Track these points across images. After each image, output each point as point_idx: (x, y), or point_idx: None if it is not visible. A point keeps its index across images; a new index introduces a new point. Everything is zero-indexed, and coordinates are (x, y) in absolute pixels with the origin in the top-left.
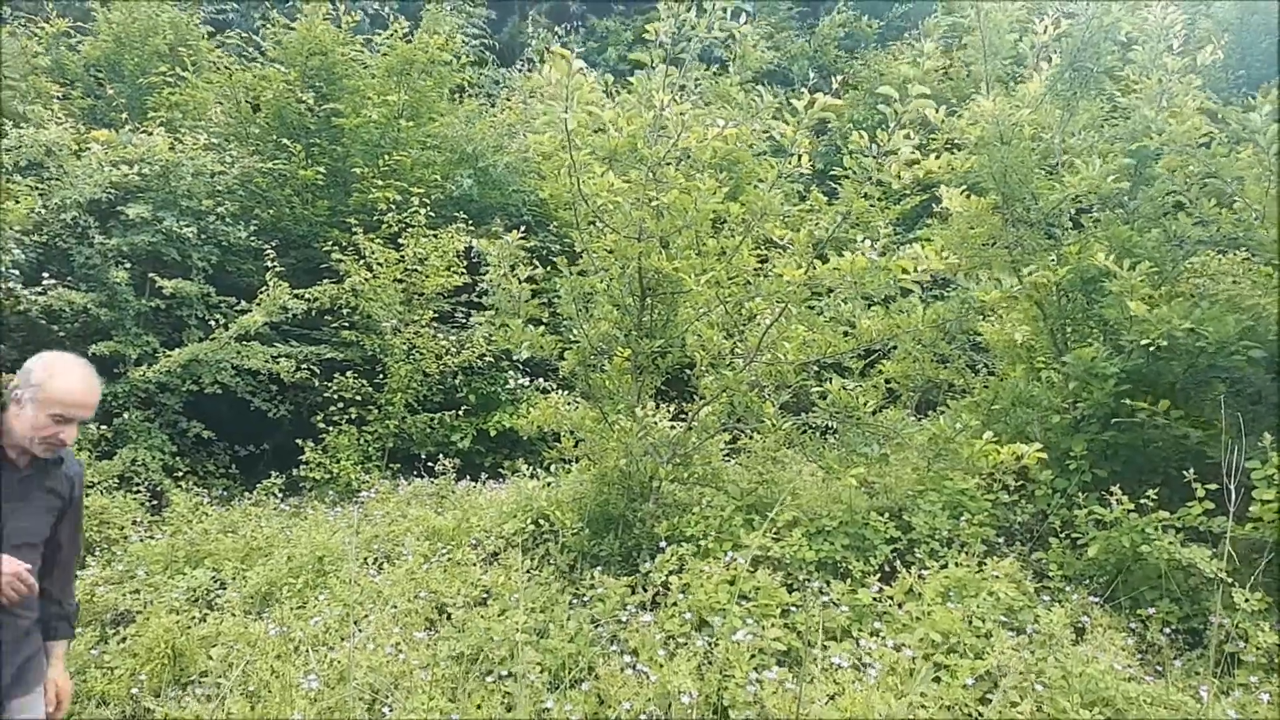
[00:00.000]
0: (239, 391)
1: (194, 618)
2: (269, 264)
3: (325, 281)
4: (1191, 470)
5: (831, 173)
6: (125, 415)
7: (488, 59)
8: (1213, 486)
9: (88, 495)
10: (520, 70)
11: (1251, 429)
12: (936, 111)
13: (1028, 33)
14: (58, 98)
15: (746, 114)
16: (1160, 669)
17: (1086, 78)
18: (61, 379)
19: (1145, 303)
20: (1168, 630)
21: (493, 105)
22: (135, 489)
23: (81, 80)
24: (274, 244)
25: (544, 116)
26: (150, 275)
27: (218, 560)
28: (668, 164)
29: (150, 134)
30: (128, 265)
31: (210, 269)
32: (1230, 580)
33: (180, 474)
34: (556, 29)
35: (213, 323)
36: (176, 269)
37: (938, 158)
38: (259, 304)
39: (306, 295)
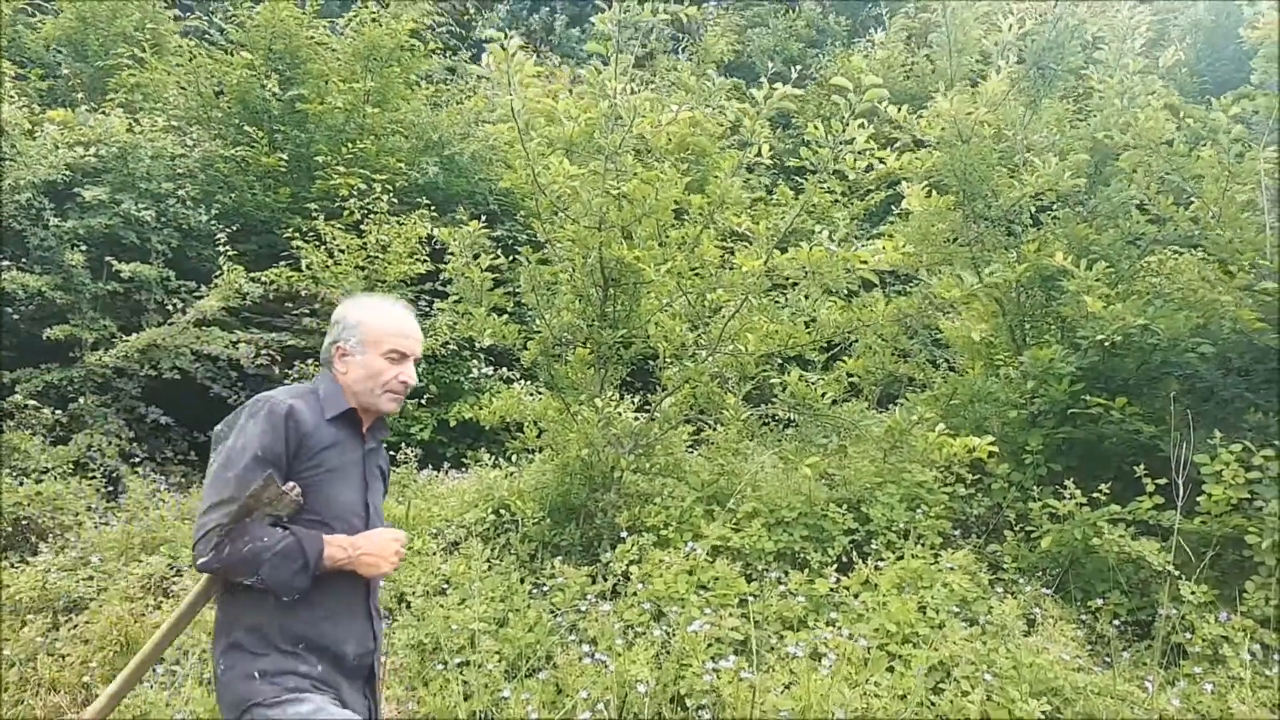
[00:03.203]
0: (198, 377)
1: (149, 605)
2: (220, 248)
3: (282, 264)
4: (1143, 465)
5: (797, 167)
6: (81, 400)
7: (456, 47)
8: (1163, 481)
9: (40, 481)
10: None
11: (1200, 424)
12: (897, 108)
13: (993, 30)
14: (11, 77)
15: (700, 98)
16: (1109, 660)
17: (1051, 77)
18: (380, 313)
19: (1101, 300)
20: (1117, 622)
21: (464, 84)
22: (91, 475)
23: (40, 60)
24: (235, 229)
25: (501, 106)
26: (108, 258)
27: (174, 547)
28: (625, 153)
29: (107, 115)
30: (84, 248)
31: (170, 253)
32: (1178, 573)
33: (137, 460)
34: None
35: (171, 307)
36: (135, 252)
37: (900, 155)
38: (214, 288)
39: (263, 279)
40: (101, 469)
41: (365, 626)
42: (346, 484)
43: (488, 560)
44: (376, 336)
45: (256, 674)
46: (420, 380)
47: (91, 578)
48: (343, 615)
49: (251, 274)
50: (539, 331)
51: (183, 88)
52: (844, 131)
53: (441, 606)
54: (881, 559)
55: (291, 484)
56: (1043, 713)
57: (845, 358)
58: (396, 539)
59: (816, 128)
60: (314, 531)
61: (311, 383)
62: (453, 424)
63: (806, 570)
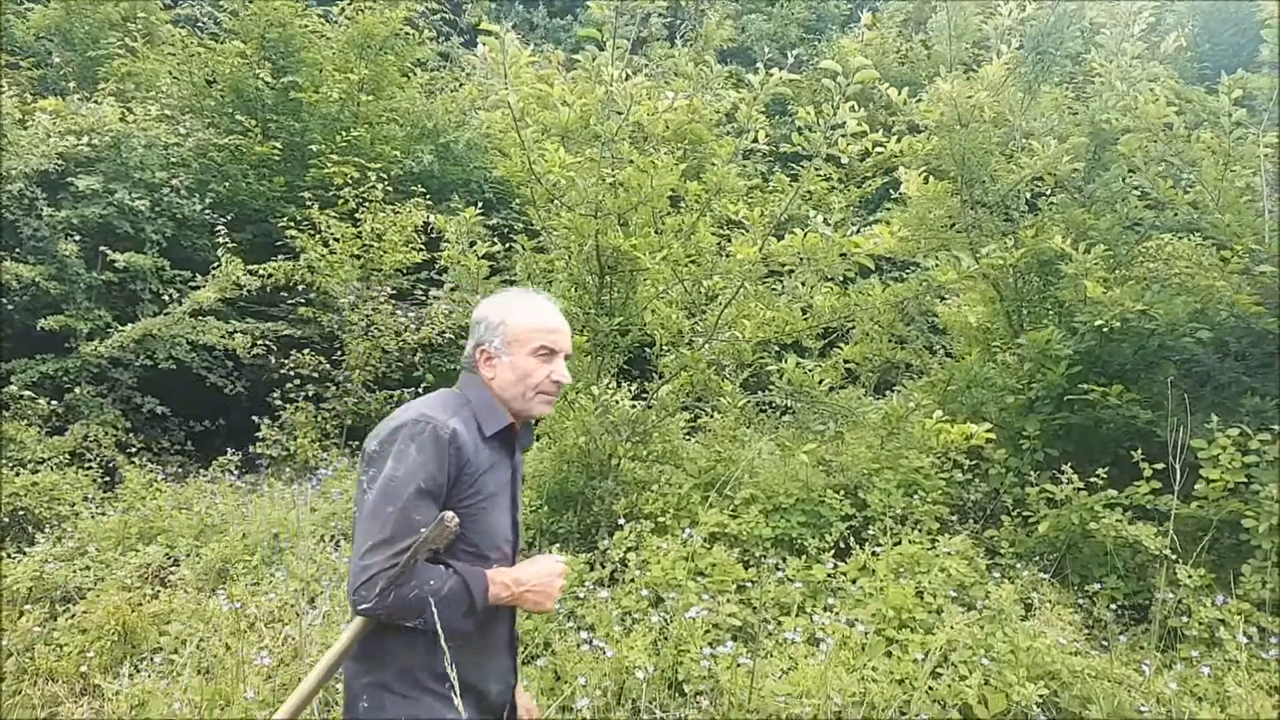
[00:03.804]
0: (194, 367)
1: (146, 595)
2: (219, 239)
3: (280, 257)
4: (1140, 450)
5: (793, 155)
6: (77, 390)
7: (448, 33)
8: (1160, 466)
9: (36, 471)
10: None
11: (1197, 409)
12: (897, 91)
13: (994, 15)
14: (2, 65)
15: (697, 85)
16: (1106, 643)
17: (1049, 62)
18: (523, 308)
19: (1100, 285)
20: (1114, 606)
21: (462, 73)
22: (87, 465)
23: (30, 49)
24: (230, 218)
25: (495, 95)
26: (102, 248)
27: (171, 537)
28: (621, 140)
29: (100, 104)
30: (78, 238)
31: (164, 242)
32: (1175, 557)
33: (134, 450)
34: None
35: (167, 297)
36: (129, 242)
37: (900, 140)
38: (212, 279)
39: (261, 271)
40: (98, 459)
41: (508, 663)
42: (500, 509)
43: None
44: (522, 334)
45: None
46: (418, 369)
47: (89, 568)
48: (488, 653)
49: (249, 265)
50: None
51: (175, 77)
52: (834, 115)
53: None
54: (879, 544)
55: (451, 514)
56: (1040, 696)
57: (842, 344)
58: (560, 572)
59: (808, 112)
60: (477, 569)
61: (458, 391)
62: None
63: (804, 556)
